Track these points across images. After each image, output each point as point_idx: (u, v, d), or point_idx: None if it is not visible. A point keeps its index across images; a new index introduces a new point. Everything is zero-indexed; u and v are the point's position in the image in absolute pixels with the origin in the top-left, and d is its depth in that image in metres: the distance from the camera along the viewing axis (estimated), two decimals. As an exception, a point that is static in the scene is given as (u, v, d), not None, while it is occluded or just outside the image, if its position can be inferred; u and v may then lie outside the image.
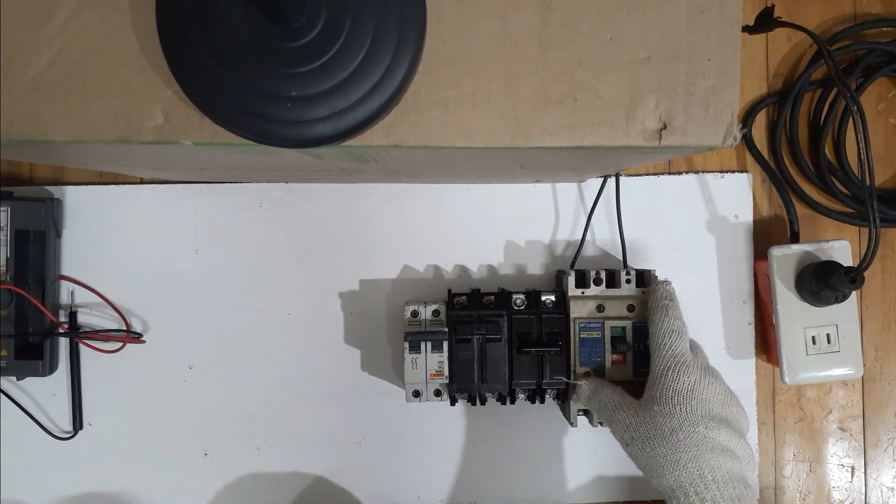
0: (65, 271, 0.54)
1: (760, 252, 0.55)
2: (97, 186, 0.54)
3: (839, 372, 0.51)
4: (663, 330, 0.45)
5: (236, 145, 0.30)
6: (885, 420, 0.56)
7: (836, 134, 0.56)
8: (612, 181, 0.54)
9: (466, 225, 0.55)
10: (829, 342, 0.51)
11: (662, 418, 0.41)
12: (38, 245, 0.51)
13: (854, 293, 0.50)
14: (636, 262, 0.55)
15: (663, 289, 0.47)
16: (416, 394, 0.49)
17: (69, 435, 0.53)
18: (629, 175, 0.55)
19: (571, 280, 0.50)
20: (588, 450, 0.55)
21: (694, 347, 0.46)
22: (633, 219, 0.54)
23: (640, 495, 0.55)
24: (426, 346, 0.49)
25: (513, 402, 0.50)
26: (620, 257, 0.54)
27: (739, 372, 0.55)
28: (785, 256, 0.51)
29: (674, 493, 0.40)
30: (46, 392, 0.54)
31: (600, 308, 0.50)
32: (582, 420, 0.50)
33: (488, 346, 0.48)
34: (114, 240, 0.54)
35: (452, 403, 0.50)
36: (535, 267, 0.55)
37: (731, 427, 0.42)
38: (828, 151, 0.56)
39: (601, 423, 0.49)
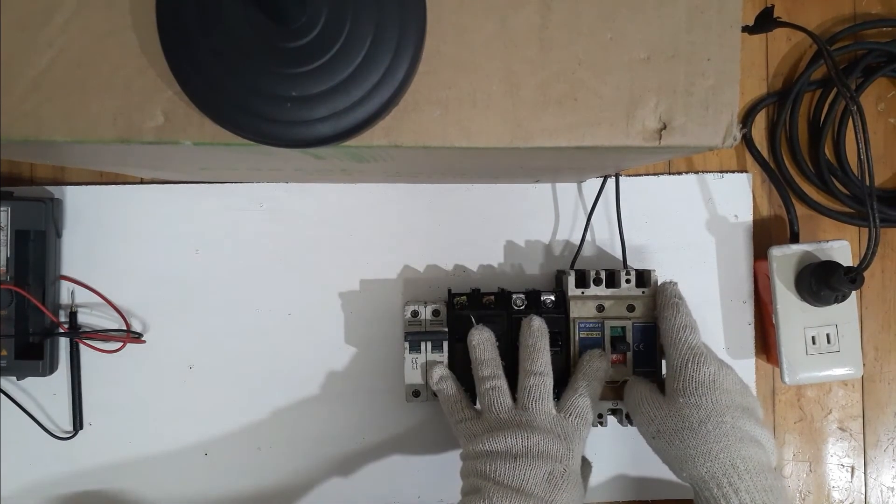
0: (65, 271, 0.54)
1: (760, 252, 0.55)
2: (97, 186, 0.54)
3: (839, 372, 0.52)
4: (676, 325, 0.45)
5: (236, 145, 0.30)
6: (885, 420, 0.56)
7: (835, 134, 0.56)
8: (611, 181, 0.54)
9: (466, 225, 0.55)
10: (828, 342, 0.51)
11: (689, 410, 0.42)
12: (38, 245, 0.51)
13: (854, 293, 0.50)
14: (636, 262, 0.55)
15: (672, 288, 0.47)
16: (416, 394, 0.49)
17: (69, 435, 0.53)
18: (629, 175, 0.55)
19: (571, 280, 0.50)
20: (587, 450, 0.55)
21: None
22: (632, 219, 0.55)
23: (638, 495, 0.55)
24: (426, 346, 0.49)
25: (513, 401, 0.50)
26: (620, 257, 0.54)
27: (739, 372, 0.55)
28: (785, 256, 0.51)
29: (706, 485, 0.40)
30: (46, 392, 0.54)
31: (600, 308, 0.50)
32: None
33: (488, 346, 0.48)
34: (114, 240, 0.54)
35: (452, 403, 0.50)
36: (535, 267, 0.55)
37: (753, 416, 0.43)
38: (827, 151, 0.56)
39: (601, 423, 0.49)
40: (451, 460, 0.54)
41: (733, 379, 0.44)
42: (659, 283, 0.49)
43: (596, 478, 0.55)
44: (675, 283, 0.48)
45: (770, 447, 0.43)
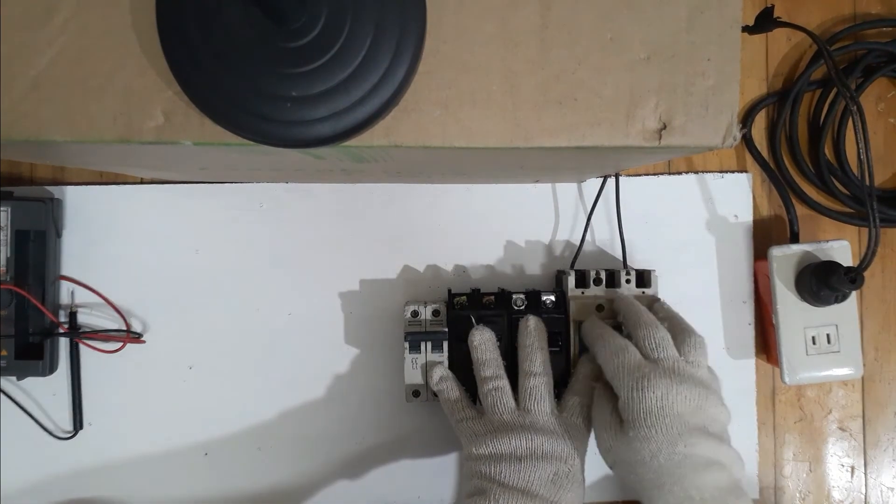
0: (65, 271, 0.54)
1: (760, 252, 0.55)
2: (97, 186, 0.54)
3: (839, 372, 0.52)
4: (608, 354, 0.43)
5: (236, 145, 0.30)
6: (885, 420, 0.56)
7: (835, 134, 0.56)
8: (611, 181, 0.54)
9: (466, 225, 0.55)
10: (828, 342, 0.51)
11: (640, 443, 0.40)
12: (38, 245, 0.51)
13: (854, 293, 0.50)
14: (636, 263, 0.55)
15: (590, 326, 0.47)
16: (416, 394, 0.49)
17: (69, 435, 0.53)
18: (629, 175, 0.55)
19: (571, 280, 0.50)
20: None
21: (658, 344, 0.43)
22: (632, 219, 0.55)
23: (632, 495, 0.55)
24: (426, 346, 0.49)
25: (513, 401, 0.50)
26: (620, 257, 0.54)
27: (739, 372, 0.55)
28: (785, 256, 0.51)
29: None
30: (46, 392, 0.54)
31: (600, 308, 0.50)
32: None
33: (488, 346, 0.48)
34: (114, 240, 0.54)
35: (452, 403, 0.50)
36: (535, 267, 0.55)
37: (711, 434, 0.40)
38: (827, 151, 0.56)
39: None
40: (452, 460, 0.54)
41: (686, 395, 0.40)
42: (581, 325, 0.48)
43: (591, 477, 0.55)
44: (593, 322, 0.47)
45: (731, 461, 0.41)
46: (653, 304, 0.48)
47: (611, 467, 0.44)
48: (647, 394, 0.40)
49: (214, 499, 0.54)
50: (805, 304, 0.51)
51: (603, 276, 0.49)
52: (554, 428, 0.43)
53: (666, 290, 0.51)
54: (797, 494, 0.56)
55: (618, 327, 0.48)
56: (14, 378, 0.53)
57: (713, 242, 0.55)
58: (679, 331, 0.44)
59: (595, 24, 0.30)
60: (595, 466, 0.55)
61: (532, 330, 0.47)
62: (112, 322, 0.54)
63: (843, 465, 0.56)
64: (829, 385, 0.56)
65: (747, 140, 0.56)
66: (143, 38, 0.29)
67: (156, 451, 0.54)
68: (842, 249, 0.51)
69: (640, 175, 0.55)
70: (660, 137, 0.30)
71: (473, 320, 0.49)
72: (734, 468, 0.41)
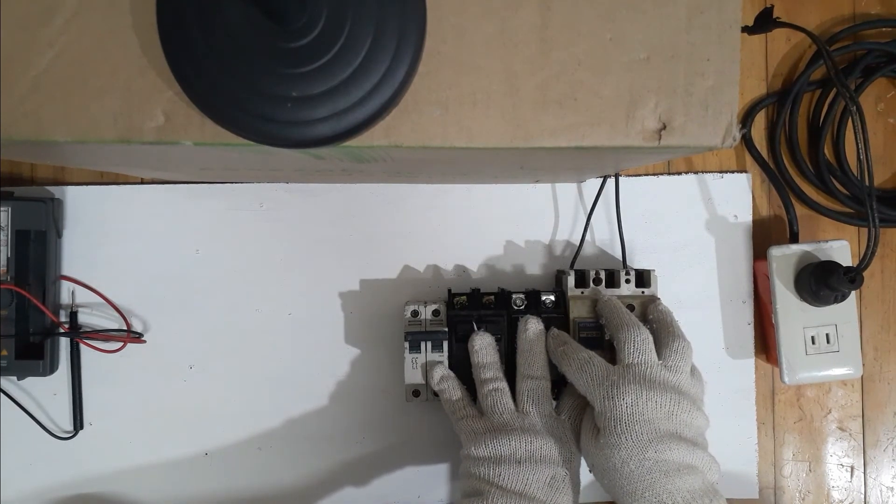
0: (65, 271, 0.54)
1: (760, 252, 0.55)
2: (97, 186, 0.54)
3: (838, 372, 0.52)
4: (576, 366, 0.44)
5: (237, 145, 0.30)
6: (885, 420, 0.56)
7: (835, 134, 0.56)
8: (611, 181, 0.54)
9: (466, 225, 0.55)
10: (828, 342, 0.51)
11: (610, 450, 0.40)
12: (38, 245, 0.51)
13: (853, 293, 0.50)
14: (636, 263, 0.55)
15: (556, 341, 0.46)
16: (416, 393, 0.49)
17: (69, 435, 0.53)
18: (629, 175, 0.55)
19: (571, 280, 0.50)
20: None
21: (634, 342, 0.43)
22: (632, 219, 0.55)
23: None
24: (426, 346, 0.49)
25: (513, 401, 0.50)
26: (620, 257, 0.54)
27: (739, 372, 0.55)
28: (784, 256, 0.51)
29: None
30: (47, 392, 0.54)
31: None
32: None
33: (488, 346, 0.48)
34: (114, 240, 0.54)
35: (452, 403, 0.50)
36: (535, 267, 0.55)
37: (683, 439, 0.40)
38: (827, 152, 0.56)
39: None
40: (451, 460, 0.55)
41: (657, 401, 0.40)
42: (549, 337, 0.47)
43: (589, 477, 0.55)
44: (555, 340, 0.46)
45: (705, 465, 0.41)
46: (649, 304, 0.48)
47: (590, 470, 0.44)
48: (617, 401, 0.41)
49: (214, 499, 0.54)
50: (804, 304, 0.51)
51: (602, 276, 0.50)
52: (552, 431, 0.44)
53: (666, 289, 0.51)
54: (797, 494, 0.56)
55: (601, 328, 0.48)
56: (14, 378, 0.53)
57: (713, 242, 0.56)
58: (665, 334, 0.45)
59: (595, 24, 0.30)
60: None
61: (531, 333, 0.47)
62: (112, 322, 0.54)
63: (842, 465, 0.56)
64: (829, 385, 0.56)
65: (747, 140, 0.56)
66: (144, 38, 0.29)
67: (156, 452, 0.54)
68: (841, 249, 0.51)
69: (639, 175, 0.55)
70: (659, 138, 0.30)
71: (475, 326, 0.49)
72: (708, 472, 0.41)
